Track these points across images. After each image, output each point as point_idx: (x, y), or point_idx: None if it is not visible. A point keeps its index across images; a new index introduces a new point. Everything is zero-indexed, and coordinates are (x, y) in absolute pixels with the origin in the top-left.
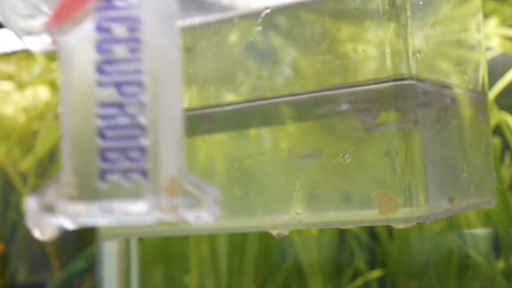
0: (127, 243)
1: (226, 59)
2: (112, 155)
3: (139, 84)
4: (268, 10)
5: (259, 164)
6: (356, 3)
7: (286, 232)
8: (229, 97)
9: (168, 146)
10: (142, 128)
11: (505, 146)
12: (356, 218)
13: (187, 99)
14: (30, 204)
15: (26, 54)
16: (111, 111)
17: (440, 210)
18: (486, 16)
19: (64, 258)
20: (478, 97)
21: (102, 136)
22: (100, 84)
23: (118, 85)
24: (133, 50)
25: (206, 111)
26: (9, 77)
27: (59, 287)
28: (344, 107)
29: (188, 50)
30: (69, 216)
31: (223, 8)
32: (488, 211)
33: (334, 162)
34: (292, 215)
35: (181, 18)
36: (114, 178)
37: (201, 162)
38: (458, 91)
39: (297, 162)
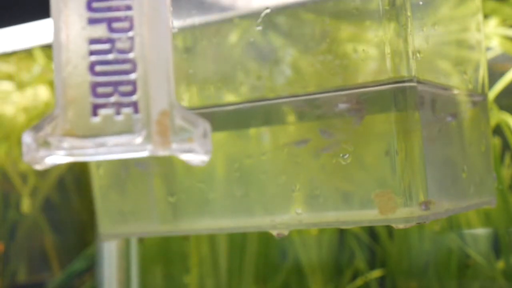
0: (127, 243)
1: (226, 59)
2: (104, 90)
3: (128, 20)
4: (268, 10)
5: (259, 164)
6: (356, 3)
7: (286, 232)
8: (229, 97)
9: (158, 80)
10: (132, 62)
11: (505, 146)
12: (356, 218)
13: (187, 99)
14: (26, 139)
15: (26, 54)
16: (102, 47)
17: (440, 210)
18: (486, 16)
19: (64, 258)
20: (478, 97)
21: (93, 71)
22: (91, 21)
23: (108, 21)
24: None
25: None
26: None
27: (59, 287)
28: (343, 107)
29: (188, 50)
30: (64, 151)
31: (223, 8)
32: (488, 211)
33: (334, 162)
34: (292, 215)
35: (181, 18)
36: (106, 112)
37: None
38: (458, 91)
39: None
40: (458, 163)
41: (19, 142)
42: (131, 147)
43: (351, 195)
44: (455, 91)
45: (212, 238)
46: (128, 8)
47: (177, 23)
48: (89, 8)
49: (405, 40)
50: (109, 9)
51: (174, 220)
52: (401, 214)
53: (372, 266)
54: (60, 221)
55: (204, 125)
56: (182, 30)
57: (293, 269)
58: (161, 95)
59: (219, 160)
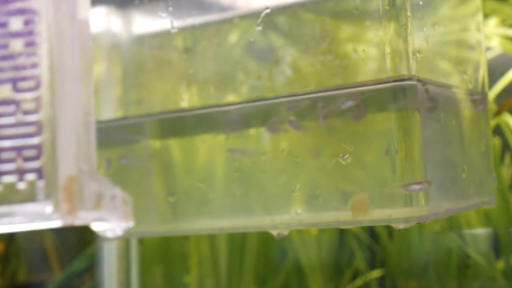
0: (127, 243)
1: (226, 59)
2: (7, 155)
3: (35, 79)
4: (268, 10)
5: (259, 164)
6: (356, 3)
7: (286, 232)
8: (229, 97)
9: (67, 144)
10: (38, 125)
11: (505, 146)
12: (356, 218)
13: (187, 99)
14: None
15: None
16: (6, 109)
17: (440, 210)
18: (486, 16)
19: (64, 258)
20: (478, 97)
21: None
22: None
23: (13, 81)
24: (29, 44)
25: (234, 115)
26: None
27: (59, 287)
28: (343, 107)
29: (188, 50)
30: None
31: (223, 8)
32: (488, 211)
33: (334, 162)
34: (292, 215)
35: (181, 18)
36: (9, 179)
37: (201, 162)
38: (458, 91)
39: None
40: (458, 163)
41: None
42: (37, 216)
43: (351, 195)
44: (455, 91)
45: (212, 238)
46: (34, 66)
47: (177, 23)
48: None
49: (405, 40)
50: (15, 68)
51: (174, 220)
52: (399, 215)
53: (372, 266)
54: None
55: (114, 190)
56: (182, 30)
57: (293, 269)
58: (69, 159)
59: (219, 160)
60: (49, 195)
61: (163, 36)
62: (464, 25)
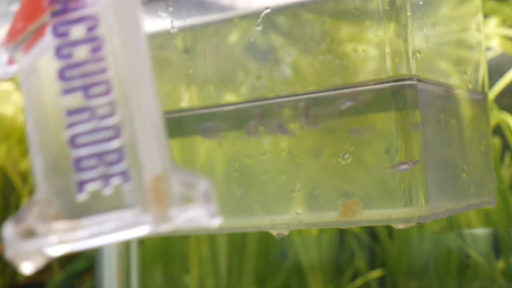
0: (127, 243)
1: (226, 59)
2: (88, 163)
3: (106, 83)
4: (268, 10)
5: (259, 164)
6: (356, 3)
7: (286, 232)
8: (229, 97)
9: (148, 144)
10: (115, 128)
11: (505, 146)
12: (356, 217)
13: (187, 99)
14: (7, 232)
15: None
16: (80, 117)
17: (440, 210)
18: (486, 16)
19: (64, 258)
20: (478, 97)
21: (74, 145)
22: (65, 91)
23: (84, 89)
24: (95, 50)
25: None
26: (9, 77)
27: (59, 287)
28: (343, 107)
29: (188, 50)
30: (53, 239)
31: (223, 8)
32: (488, 211)
33: (334, 162)
34: (292, 215)
35: (181, 18)
36: (94, 186)
37: (201, 162)
38: (458, 91)
39: (294, 151)
40: (458, 163)
41: (19, 142)
42: (127, 222)
43: (351, 195)
44: (455, 91)
45: (212, 238)
46: (103, 70)
47: (177, 23)
48: (62, 77)
49: (405, 40)
50: (83, 75)
51: None
52: (399, 215)
53: (372, 266)
54: None
55: (205, 185)
56: (182, 30)
57: (293, 269)
58: (153, 159)
59: (219, 160)
60: (137, 197)
61: (163, 36)
62: (464, 25)
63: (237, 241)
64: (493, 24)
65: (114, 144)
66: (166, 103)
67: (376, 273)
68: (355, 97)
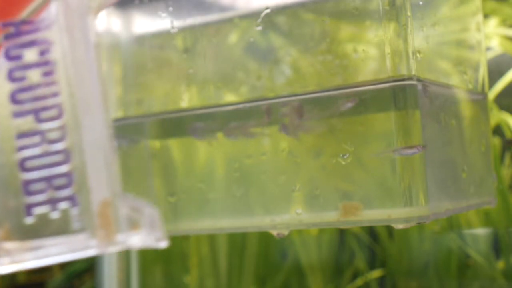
0: None
1: (226, 59)
2: (37, 187)
3: (57, 107)
4: (268, 10)
5: (259, 164)
6: (356, 3)
7: (286, 232)
8: (229, 97)
9: (97, 169)
10: (65, 153)
11: (505, 146)
12: (356, 218)
13: (187, 99)
14: None
15: None
16: (31, 140)
17: (440, 210)
18: (486, 16)
19: None
20: (478, 97)
21: (23, 168)
22: (16, 114)
23: (35, 112)
24: (47, 74)
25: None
26: None
27: (59, 287)
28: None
29: (188, 50)
30: (6, 259)
31: (223, 8)
32: (488, 211)
33: (334, 162)
34: (292, 215)
35: (181, 18)
36: (42, 210)
37: (201, 162)
38: (458, 91)
39: (294, 151)
40: (458, 163)
41: None
42: (73, 246)
43: (351, 195)
44: (455, 91)
45: (212, 238)
46: (55, 95)
47: (177, 23)
48: (14, 100)
49: (405, 40)
50: (35, 99)
51: (174, 220)
52: (399, 215)
53: (372, 266)
54: None
55: (151, 211)
56: (182, 30)
57: (293, 269)
58: (101, 184)
59: (219, 160)
60: (85, 222)
61: (163, 36)
62: (464, 25)
63: (237, 241)
64: (493, 24)
65: (63, 168)
66: (166, 103)
67: (376, 273)
68: (354, 99)
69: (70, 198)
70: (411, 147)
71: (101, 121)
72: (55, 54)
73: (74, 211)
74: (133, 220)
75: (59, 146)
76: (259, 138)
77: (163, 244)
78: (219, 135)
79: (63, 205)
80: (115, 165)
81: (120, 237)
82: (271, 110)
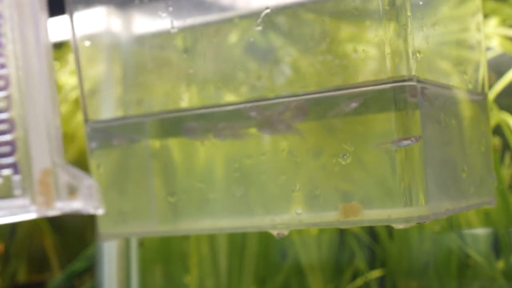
0: (127, 243)
1: (226, 59)
2: None
3: (4, 79)
4: (268, 10)
5: (259, 164)
6: (356, 3)
7: (286, 232)
8: (229, 97)
9: (40, 140)
10: (10, 122)
11: (505, 146)
12: (356, 218)
13: (187, 99)
14: None
15: None
16: None
17: (440, 210)
18: (486, 16)
19: (64, 258)
20: (478, 97)
21: None
22: None
23: None
24: None
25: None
26: None
27: (59, 287)
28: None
29: (188, 50)
30: None
31: (223, 8)
32: (488, 211)
33: (334, 162)
34: (292, 215)
35: (181, 18)
36: None
37: (201, 163)
38: (458, 91)
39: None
40: (458, 163)
41: None
42: (14, 210)
43: (351, 195)
44: (455, 91)
45: (212, 238)
46: (3, 66)
47: (177, 23)
48: None
49: (405, 40)
50: None
51: (174, 220)
52: (399, 215)
53: (372, 266)
54: (60, 221)
55: (89, 181)
56: (182, 30)
57: (293, 269)
58: (42, 153)
59: (219, 160)
60: (26, 188)
61: (163, 36)
62: (464, 25)
63: (237, 241)
64: (493, 24)
65: (7, 137)
66: (166, 103)
67: (376, 273)
68: (359, 99)
69: (12, 166)
70: (407, 138)
71: (46, 95)
72: (4, 28)
73: (16, 178)
74: (72, 189)
75: (4, 115)
76: (247, 139)
77: (100, 211)
78: (210, 135)
79: (6, 171)
80: (58, 137)
81: (59, 204)
82: (302, 107)
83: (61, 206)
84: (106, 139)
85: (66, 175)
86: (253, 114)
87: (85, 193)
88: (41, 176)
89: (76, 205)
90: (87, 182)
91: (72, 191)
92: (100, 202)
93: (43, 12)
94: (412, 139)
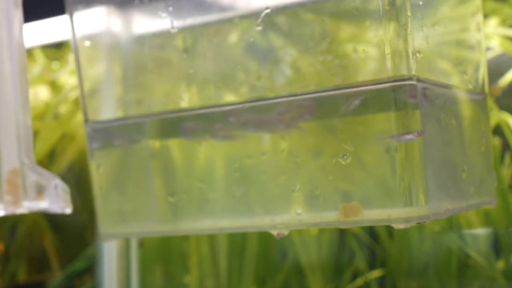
0: (127, 243)
1: (226, 59)
2: None
3: None
4: (268, 10)
5: (259, 164)
6: (356, 3)
7: (286, 232)
8: (229, 97)
9: (8, 139)
10: None
11: (505, 146)
12: (356, 218)
13: (187, 99)
14: None
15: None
16: None
17: (440, 210)
18: (486, 16)
19: (64, 258)
20: (478, 97)
21: None
22: None
23: None
24: None
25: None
26: None
27: (59, 287)
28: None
29: (188, 50)
30: None
31: (223, 8)
32: (488, 211)
33: (334, 162)
34: (292, 215)
35: (181, 18)
36: None
37: (201, 163)
38: (458, 91)
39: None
40: (458, 163)
41: None
42: None
43: (351, 195)
44: (455, 91)
45: (212, 238)
46: None
47: (177, 23)
48: None
49: (405, 40)
50: None
51: (174, 220)
52: (399, 215)
53: (372, 266)
54: (60, 221)
55: (56, 181)
56: (182, 30)
57: (293, 269)
58: (11, 154)
59: (219, 160)
60: None
61: (163, 36)
62: (464, 25)
63: (237, 241)
64: (493, 24)
65: None
66: (166, 103)
67: (376, 273)
68: (360, 96)
69: None
70: (409, 133)
71: (17, 95)
72: None
73: None
74: (40, 189)
75: None
76: (247, 139)
77: (67, 211)
78: (209, 135)
79: None
80: (28, 137)
81: (26, 203)
82: (309, 106)
83: (29, 206)
84: (106, 139)
85: (34, 175)
86: (253, 114)
87: (52, 193)
88: (9, 176)
89: (43, 204)
90: (54, 182)
91: (40, 191)
92: (67, 202)
93: (17, 10)
94: (414, 133)
